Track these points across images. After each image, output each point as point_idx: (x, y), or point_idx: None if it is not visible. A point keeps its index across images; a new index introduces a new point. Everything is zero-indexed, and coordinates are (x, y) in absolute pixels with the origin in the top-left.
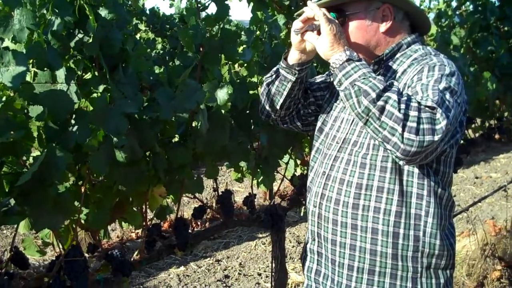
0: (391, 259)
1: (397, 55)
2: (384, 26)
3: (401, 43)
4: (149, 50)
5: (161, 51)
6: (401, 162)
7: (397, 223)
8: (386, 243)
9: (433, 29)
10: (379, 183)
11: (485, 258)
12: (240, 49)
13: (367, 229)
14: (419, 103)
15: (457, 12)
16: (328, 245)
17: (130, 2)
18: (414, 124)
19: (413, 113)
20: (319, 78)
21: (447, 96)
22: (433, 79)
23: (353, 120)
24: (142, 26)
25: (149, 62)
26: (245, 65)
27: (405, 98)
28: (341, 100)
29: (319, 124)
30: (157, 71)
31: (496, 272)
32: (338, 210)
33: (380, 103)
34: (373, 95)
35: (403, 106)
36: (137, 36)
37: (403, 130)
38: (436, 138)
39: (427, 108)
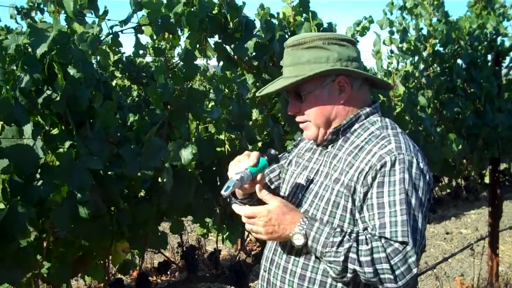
0: None
1: (355, 126)
2: (342, 97)
3: (359, 113)
4: (124, 97)
5: (137, 98)
6: None
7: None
8: None
9: (401, 89)
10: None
11: None
12: (209, 106)
13: None
14: (384, 249)
15: (425, 74)
16: None
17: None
18: (389, 275)
19: (384, 266)
20: (276, 171)
21: (415, 213)
22: (397, 203)
23: (308, 187)
24: (118, 73)
25: (124, 108)
26: (213, 122)
27: (368, 257)
28: (295, 169)
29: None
30: (131, 118)
31: None
32: (285, 279)
33: (349, 275)
34: (338, 270)
35: (369, 270)
36: (113, 83)
37: (382, 283)
38: (414, 270)
39: (396, 247)
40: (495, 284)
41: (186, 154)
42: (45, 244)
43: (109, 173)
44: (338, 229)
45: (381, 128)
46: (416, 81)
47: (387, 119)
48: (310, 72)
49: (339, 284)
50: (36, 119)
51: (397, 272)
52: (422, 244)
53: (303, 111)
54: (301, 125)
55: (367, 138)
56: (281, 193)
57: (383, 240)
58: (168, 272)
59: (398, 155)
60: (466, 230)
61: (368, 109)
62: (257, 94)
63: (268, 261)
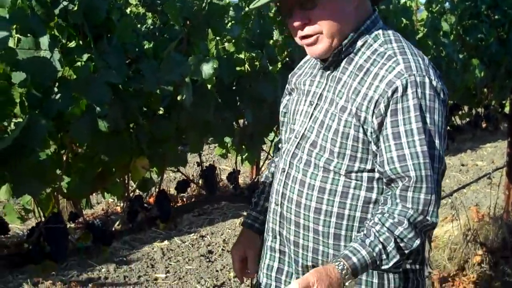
0: None
1: (358, 44)
2: (354, 1)
3: (360, 29)
4: (139, 25)
5: (151, 26)
6: None
7: (361, 229)
8: None
9: (424, 14)
10: (344, 189)
11: (467, 243)
12: (228, 25)
13: (329, 234)
14: (410, 214)
15: None
16: (291, 246)
17: None
18: (427, 224)
19: (418, 220)
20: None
21: (433, 140)
22: (415, 133)
23: (312, 114)
24: (133, 1)
25: (139, 37)
26: (233, 41)
27: (410, 234)
28: (296, 96)
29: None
30: (146, 46)
31: (477, 257)
32: (300, 213)
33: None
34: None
35: (416, 240)
36: (128, 10)
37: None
38: (438, 199)
39: (416, 197)
40: (511, 212)
41: (207, 68)
42: (64, 159)
43: (128, 88)
44: (368, 240)
45: (384, 44)
46: (439, 5)
47: (389, 31)
48: None
49: (358, 213)
50: (53, 32)
51: (430, 217)
52: (442, 169)
53: (315, 20)
54: (307, 41)
55: (371, 58)
56: (287, 124)
57: (400, 206)
58: (184, 199)
59: (409, 77)
60: (482, 162)
61: (368, 22)
62: (250, 6)
63: (279, 195)
